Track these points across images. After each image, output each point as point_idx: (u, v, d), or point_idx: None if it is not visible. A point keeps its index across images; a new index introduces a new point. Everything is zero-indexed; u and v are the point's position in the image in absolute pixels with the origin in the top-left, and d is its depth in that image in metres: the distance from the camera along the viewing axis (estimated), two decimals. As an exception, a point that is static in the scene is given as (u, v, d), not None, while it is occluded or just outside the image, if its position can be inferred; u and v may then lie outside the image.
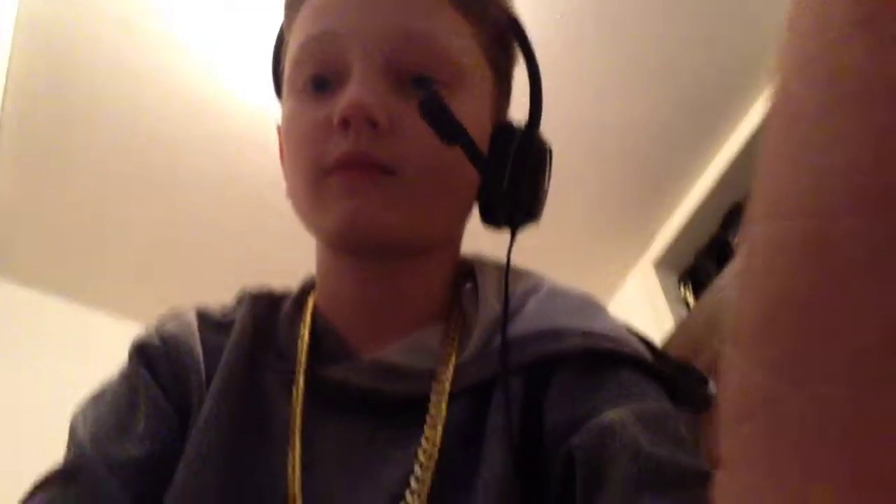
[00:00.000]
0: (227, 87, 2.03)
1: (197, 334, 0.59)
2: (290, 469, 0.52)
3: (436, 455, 0.51)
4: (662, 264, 2.54)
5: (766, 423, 0.12)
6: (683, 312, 2.37)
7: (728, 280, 1.70)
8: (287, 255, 2.38)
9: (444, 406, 0.54)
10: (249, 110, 2.07)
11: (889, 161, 0.11)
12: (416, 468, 0.51)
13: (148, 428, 0.53)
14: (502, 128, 0.59)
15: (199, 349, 0.58)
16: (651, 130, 2.17)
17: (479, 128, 0.57)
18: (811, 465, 0.11)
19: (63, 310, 2.57)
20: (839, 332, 0.11)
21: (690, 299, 2.44)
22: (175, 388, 0.56)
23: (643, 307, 2.50)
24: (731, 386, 0.13)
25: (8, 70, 1.94)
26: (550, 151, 0.60)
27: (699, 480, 0.41)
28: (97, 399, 0.56)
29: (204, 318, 0.62)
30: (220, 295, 0.69)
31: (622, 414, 0.47)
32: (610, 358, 0.53)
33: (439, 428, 0.53)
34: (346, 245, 0.57)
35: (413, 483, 0.50)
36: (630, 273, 2.67)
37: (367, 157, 0.53)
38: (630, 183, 2.34)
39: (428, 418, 0.53)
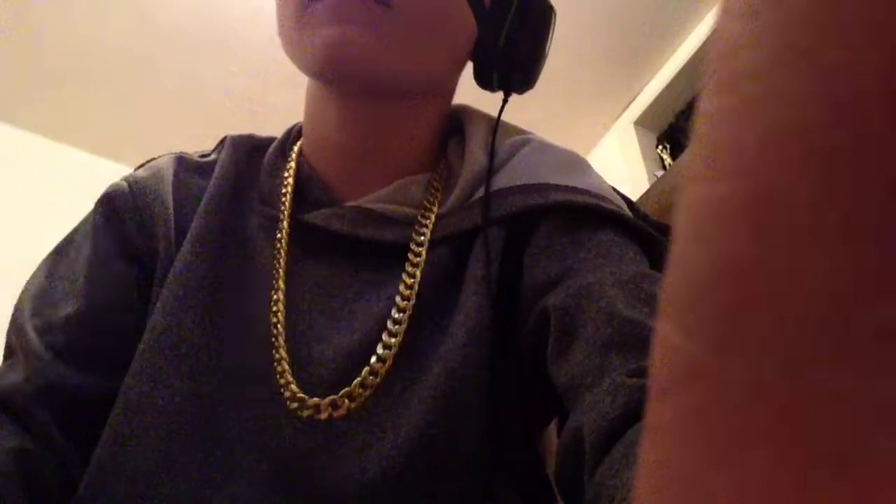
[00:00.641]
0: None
1: (169, 180, 0.58)
2: (273, 308, 0.53)
3: (413, 299, 0.52)
4: (642, 123, 2.53)
5: (693, 395, 0.11)
6: (659, 173, 2.38)
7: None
8: (261, 89, 2.33)
9: (423, 252, 0.54)
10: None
11: (841, 116, 0.10)
12: (394, 311, 0.52)
13: (87, 282, 0.54)
14: None
15: (169, 197, 0.57)
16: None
17: None
18: (742, 440, 0.11)
19: (39, 146, 2.52)
20: (774, 299, 0.10)
21: (668, 160, 2.45)
22: (140, 235, 0.56)
23: (620, 165, 2.51)
24: (658, 357, 0.13)
25: None
26: (554, 13, 0.57)
27: None
28: (51, 260, 0.57)
29: (181, 162, 0.61)
30: (198, 134, 0.68)
31: (600, 276, 0.47)
32: (591, 217, 0.53)
33: (418, 273, 0.53)
34: (330, 75, 0.53)
35: (390, 324, 0.51)
36: (609, 130, 2.66)
37: None
38: (615, 41, 2.28)
39: (407, 264, 0.54)
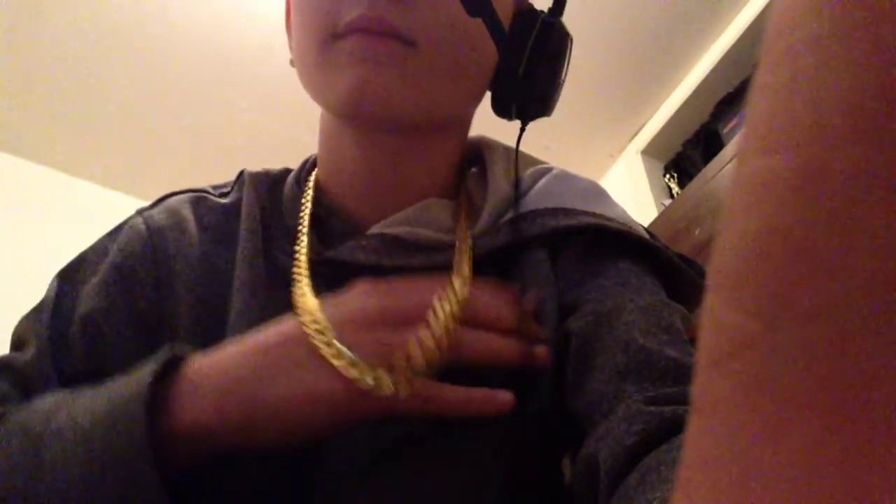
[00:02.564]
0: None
1: (192, 231, 0.57)
2: None
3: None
4: (649, 152, 2.53)
5: (742, 367, 0.11)
6: (667, 202, 2.38)
7: (714, 171, 1.70)
8: (271, 124, 2.35)
9: (466, 265, 0.52)
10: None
11: (894, 87, 0.10)
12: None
13: (99, 285, 0.54)
14: (524, 12, 0.56)
15: (192, 250, 0.56)
16: (645, 17, 2.11)
17: (501, 10, 0.53)
18: (790, 411, 0.11)
19: (54, 180, 2.55)
20: (827, 270, 0.10)
21: (675, 189, 2.45)
22: (154, 286, 0.55)
23: (628, 194, 2.51)
24: (707, 331, 0.13)
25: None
26: (571, 41, 0.56)
27: (686, 375, 0.42)
28: (72, 275, 0.57)
29: (200, 205, 0.60)
30: (207, 168, 0.68)
31: (619, 303, 0.47)
32: (612, 245, 0.53)
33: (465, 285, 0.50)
34: (354, 116, 0.53)
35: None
36: (617, 159, 2.67)
37: (384, 24, 0.48)
38: (621, 71, 2.30)
39: (450, 288, 0.51)
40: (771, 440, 0.11)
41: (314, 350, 0.43)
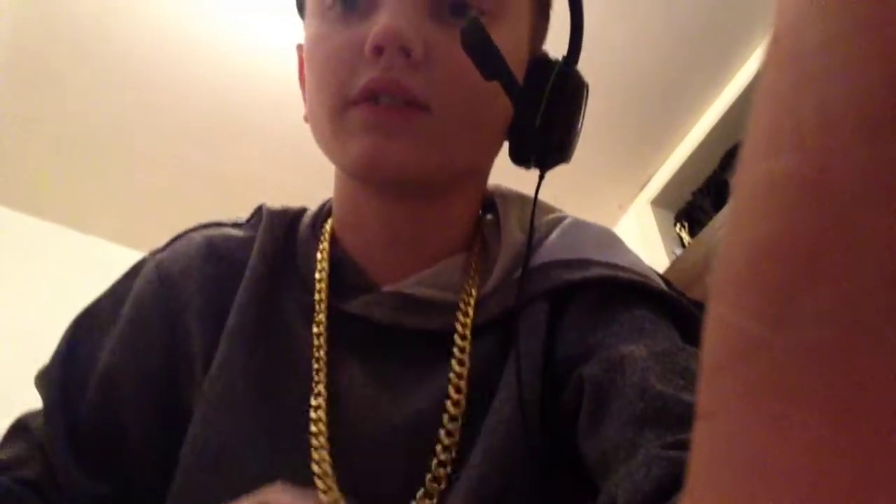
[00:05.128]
0: (225, 22, 1.97)
1: (199, 278, 0.57)
2: (313, 403, 0.51)
3: (464, 393, 0.51)
4: (659, 203, 2.54)
5: (748, 371, 0.11)
6: (678, 251, 2.37)
7: (724, 220, 1.70)
8: (281, 179, 2.37)
9: (468, 341, 0.53)
10: (249, 45, 2.02)
11: None
12: (450, 399, 0.51)
13: (115, 340, 0.54)
14: (539, 61, 0.56)
15: (199, 297, 0.56)
16: (653, 68, 2.13)
17: (515, 59, 0.54)
18: (796, 414, 0.11)
19: (60, 236, 2.57)
20: (833, 272, 0.10)
21: (686, 238, 2.45)
22: (169, 328, 0.55)
23: (638, 245, 2.51)
24: (712, 335, 0.13)
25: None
26: (587, 89, 0.56)
27: None
28: (86, 327, 0.56)
29: (211, 248, 0.59)
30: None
31: (634, 349, 0.46)
32: (626, 293, 0.53)
33: (466, 363, 0.52)
34: (367, 181, 0.54)
35: (451, 408, 0.50)
36: (627, 211, 2.67)
37: (397, 88, 0.49)
38: (629, 121, 2.32)
39: (453, 359, 0.52)
40: (777, 442, 0.11)
41: None
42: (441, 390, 0.52)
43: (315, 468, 0.49)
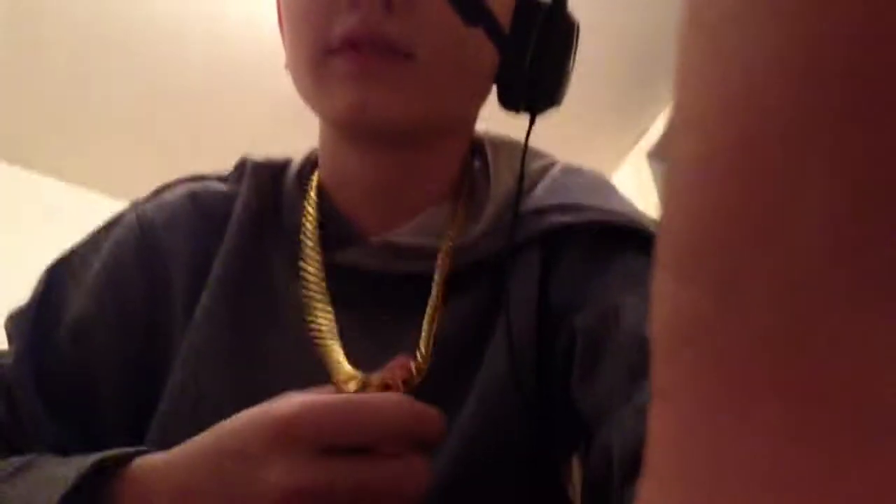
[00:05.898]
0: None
1: (184, 227, 0.56)
2: (318, 340, 0.51)
3: (456, 328, 0.51)
4: (656, 155, 2.53)
5: (701, 350, 0.11)
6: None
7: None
8: (279, 130, 2.35)
9: (441, 282, 0.53)
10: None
11: (832, 44, 0.09)
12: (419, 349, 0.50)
13: (90, 287, 0.53)
14: (527, 2, 0.53)
15: (185, 246, 0.56)
16: (651, 20, 2.10)
17: (500, 2, 0.51)
18: (750, 397, 0.10)
19: (41, 186, 2.56)
20: (776, 250, 0.10)
21: (681, 191, 2.44)
22: (149, 285, 0.54)
23: (634, 197, 2.50)
24: (663, 312, 0.12)
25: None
26: (578, 29, 0.54)
27: None
28: (62, 277, 0.55)
29: (196, 199, 0.59)
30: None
31: (629, 298, 0.46)
32: (620, 238, 0.52)
33: (436, 302, 0.52)
34: (352, 131, 0.53)
35: (419, 353, 0.50)
36: (623, 163, 2.66)
37: (378, 37, 0.47)
38: (623, 73, 2.29)
39: (433, 292, 0.52)
40: (733, 426, 0.11)
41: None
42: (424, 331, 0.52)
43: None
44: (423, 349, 0.51)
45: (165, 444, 0.46)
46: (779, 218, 0.10)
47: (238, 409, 0.48)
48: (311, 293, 0.53)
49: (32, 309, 0.52)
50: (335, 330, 0.52)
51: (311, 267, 0.54)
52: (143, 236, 0.56)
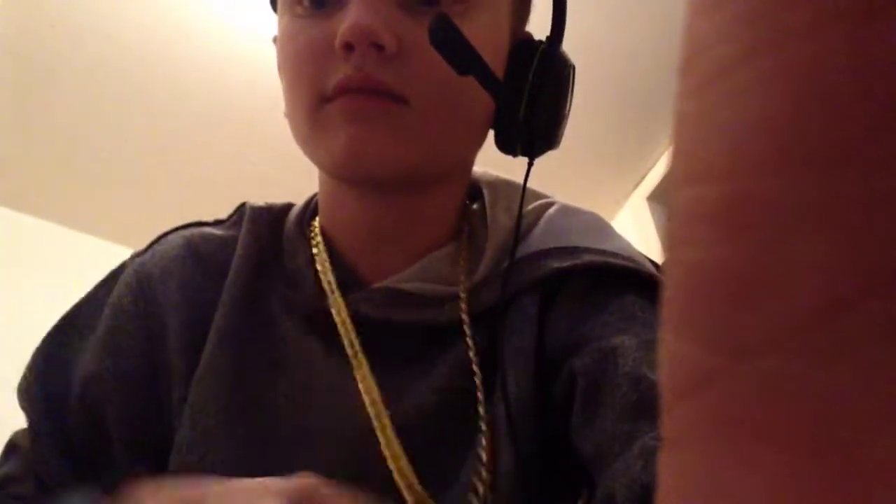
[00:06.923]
0: (216, 7, 1.97)
1: (179, 277, 0.56)
2: (359, 382, 0.50)
3: (479, 382, 0.50)
4: (656, 198, 2.53)
5: (707, 400, 0.11)
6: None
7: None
8: (282, 177, 2.37)
9: (468, 331, 0.52)
10: (238, 29, 2.01)
11: (811, 113, 0.10)
12: (477, 387, 0.50)
13: (95, 347, 0.53)
14: (521, 45, 0.54)
15: (175, 292, 0.55)
16: (650, 63, 2.13)
17: (495, 46, 0.52)
18: (759, 446, 0.10)
19: (48, 232, 2.57)
20: (766, 303, 0.10)
21: (682, 234, 2.44)
22: (147, 338, 0.54)
23: (635, 240, 2.49)
24: (668, 366, 0.12)
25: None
26: (573, 70, 0.54)
27: None
28: (63, 341, 0.55)
29: (191, 248, 0.59)
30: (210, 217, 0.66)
31: (626, 339, 0.45)
32: (617, 279, 0.52)
33: (472, 355, 0.51)
34: (349, 177, 0.52)
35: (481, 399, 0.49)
36: (623, 206, 2.67)
37: (373, 83, 0.47)
38: (626, 116, 2.31)
39: (461, 344, 0.52)
40: (739, 478, 0.11)
41: None
42: (436, 386, 0.51)
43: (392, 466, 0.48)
44: (478, 386, 0.50)
45: None
46: (767, 277, 0.10)
47: (245, 464, 0.48)
48: (345, 335, 0.53)
49: (37, 377, 0.52)
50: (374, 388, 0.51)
51: (342, 312, 0.53)
52: (139, 290, 0.56)
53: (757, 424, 0.10)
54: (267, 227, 0.60)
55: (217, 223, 0.62)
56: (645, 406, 0.41)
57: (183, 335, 0.54)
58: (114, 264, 0.59)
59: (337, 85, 0.48)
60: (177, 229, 0.62)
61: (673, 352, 0.12)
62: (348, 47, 0.47)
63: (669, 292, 0.12)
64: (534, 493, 0.48)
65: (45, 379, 0.52)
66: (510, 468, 0.47)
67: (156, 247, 0.60)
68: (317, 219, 0.61)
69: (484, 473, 0.46)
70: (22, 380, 0.53)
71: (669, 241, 0.12)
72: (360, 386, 0.50)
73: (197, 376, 0.51)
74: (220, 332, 0.53)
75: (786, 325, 0.10)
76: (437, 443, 0.49)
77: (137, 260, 0.59)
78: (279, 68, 0.55)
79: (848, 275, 0.09)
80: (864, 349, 0.09)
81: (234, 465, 0.48)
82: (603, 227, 0.60)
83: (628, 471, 0.37)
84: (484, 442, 0.48)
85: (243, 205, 0.63)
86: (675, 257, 0.12)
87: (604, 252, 0.54)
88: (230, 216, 0.63)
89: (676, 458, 0.12)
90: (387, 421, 0.49)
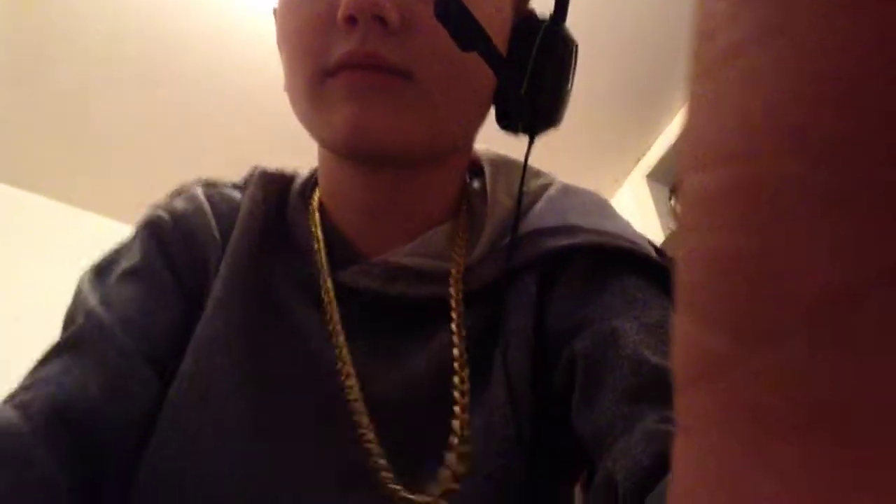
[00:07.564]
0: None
1: (209, 212, 0.57)
2: (339, 366, 0.50)
3: (465, 355, 0.50)
4: (655, 176, 2.53)
5: (722, 386, 0.11)
6: (674, 225, 2.38)
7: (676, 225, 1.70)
8: (280, 154, 2.36)
9: (461, 307, 0.52)
10: (238, 1, 1.99)
11: (828, 95, 0.09)
12: (455, 370, 0.50)
13: (161, 301, 0.52)
14: (525, 22, 0.53)
15: (214, 226, 0.56)
16: (650, 42, 2.12)
17: (499, 22, 0.51)
18: (773, 435, 0.10)
19: (47, 208, 2.56)
20: (781, 290, 0.10)
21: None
22: (190, 270, 0.54)
23: (634, 219, 2.50)
24: (681, 352, 0.12)
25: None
26: (576, 48, 0.54)
27: None
28: (107, 268, 0.54)
29: (211, 191, 0.59)
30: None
31: (626, 322, 0.45)
32: (616, 261, 0.51)
33: (461, 332, 0.51)
34: (350, 154, 0.51)
35: (456, 381, 0.49)
36: (622, 184, 2.67)
37: (375, 58, 0.46)
38: (625, 94, 2.30)
39: (452, 323, 0.52)
40: (750, 467, 0.11)
41: None
42: (436, 360, 0.51)
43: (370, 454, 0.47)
44: (456, 366, 0.50)
45: (173, 430, 0.46)
46: (780, 263, 0.10)
47: (245, 404, 0.48)
48: (327, 312, 0.53)
49: (99, 305, 0.50)
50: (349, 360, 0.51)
51: (325, 290, 0.54)
52: (176, 226, 0.56)
53: (768, 418, 0.10)
54: (276, 190, 0.60)
55: (234, 186, 0.62)
56: (645, 388, 0.41)
57: (220, 257, 0.54)
58: (112, 241, 0.58)
59: (339, 60, 0.47)
60: (196, 184, 0.62)
61: (686, 337, 0.12)
62: (351, 20, 0.46)
63: (682, 276, 0.12)
64: (532, 473, 0.48)
65: (102, 308, 0.50)
66: (511, 444, 0.47)
67: (179, 198, 0.59)
68: (316, 191, 0.61)
69: (457, 444, 0.46)
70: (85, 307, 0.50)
71: (681, 224, 0.12)
72: (339, 357, 0.51)
73: (205, 314, 0.51)
74: (225, 281, 0.52)
75: (802, 313, 0.10)
76: (414, 417, 0.49)
77: (164, 206, 0.58)
78: (279, 41, 0.55)
79: (870, 260, 0.09)
80: (883, 338, 0.09)
81: (233, 405, 0.48)
82: (604, 207, 0.59)
83: (629, 452, 0.37)
84: (458, 410, 0.48)
85: (255, 168, 0.63)
86: (688, 243, 0.12)
87: (603, 232, 0.53)
88: (245, 180, 0.62)
89: (689, 444, 0.12)
90: (359, 394, 0.49)
